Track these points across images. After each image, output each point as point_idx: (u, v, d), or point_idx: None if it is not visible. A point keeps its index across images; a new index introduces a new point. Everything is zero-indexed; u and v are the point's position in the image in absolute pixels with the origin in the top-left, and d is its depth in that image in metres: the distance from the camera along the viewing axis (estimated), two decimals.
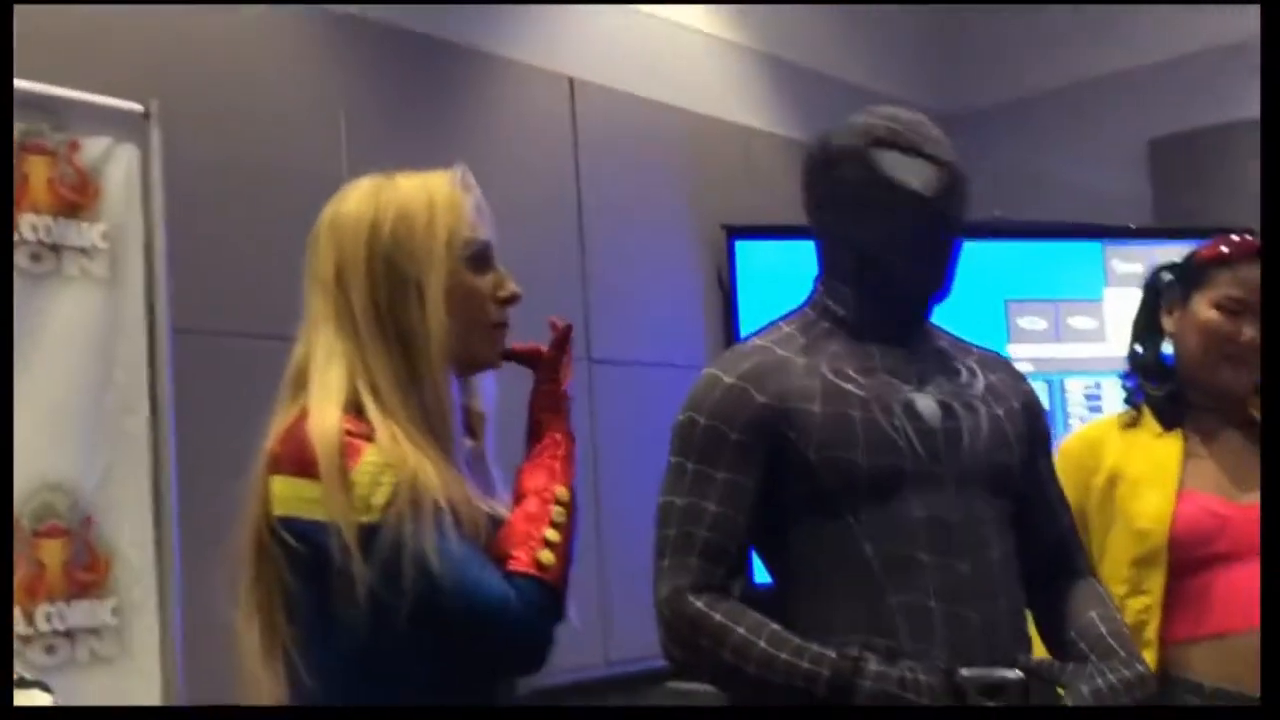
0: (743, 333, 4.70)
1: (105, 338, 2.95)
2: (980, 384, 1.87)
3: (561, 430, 1.68)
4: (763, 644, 1.71)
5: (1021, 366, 5.31)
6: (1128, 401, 2.34)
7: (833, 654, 1.70)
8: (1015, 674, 1.71)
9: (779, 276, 4.81)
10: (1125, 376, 2.38)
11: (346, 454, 1.48)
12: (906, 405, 1.80)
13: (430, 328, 1.56)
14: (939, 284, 1.83)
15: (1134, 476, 2.22)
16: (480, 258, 1.64)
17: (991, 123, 5.67)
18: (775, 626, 1.74)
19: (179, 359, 3.08)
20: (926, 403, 1.81)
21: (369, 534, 1.46)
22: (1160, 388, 2.29)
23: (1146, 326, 2.35)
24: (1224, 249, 2.27)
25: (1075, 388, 4.96)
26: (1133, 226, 5.21)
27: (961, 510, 1.78)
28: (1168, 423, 2.26)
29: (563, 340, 1.74)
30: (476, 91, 4.12)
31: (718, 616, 1.74)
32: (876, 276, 1.84)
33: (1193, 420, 2.27)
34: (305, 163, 3.64)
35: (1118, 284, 5.04)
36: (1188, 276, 2.31)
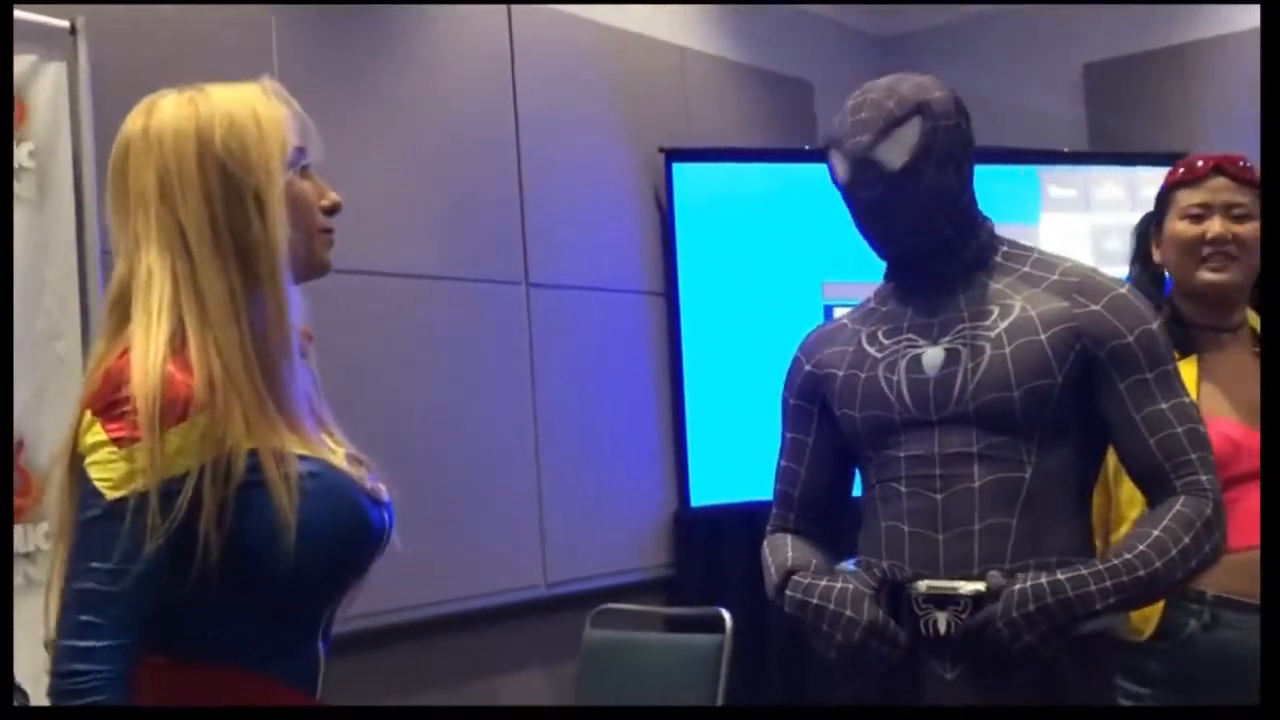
0: (680, 256, 4.73)
1: (33, 260, 2.90)
2: (1005, 322, 1.96)
3: None
4: (773, 569, 2.08)
5: None
6: None
7: (778, 574, 2.05)
8: (973, 586, 1.87)
9: (717, 200, 4.81)
10: None
11: (165, 414, 1.44)
12: (913, 360, 1.99)
13: (273, 238, 1.52)
14: (894, 243, 2.01)
15: None
16: (305, 165, 1.61)
17: (928, 46, 5.67)
18: (795, 554, 2.07)
19: (109, 282, 3.03)
20: (934, 354, 1.98)
21: (163, 497, 1.43)
22: (1163, 314, 2.39)
23: (1143, 264, 2.49)
24: (1181, 170, 2.43)
25: None
26: (1067, 150, 5.25)
27: (946, 447, 1.95)
28: (1182, 349, 2.34)
29: None
30: (412, 9, 4.06)
31: (766, 550, 2.13)
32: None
33: (1203, 346, 2.38)
34: (235, 79, 3.57)
35: (1053, 209, 5.08)
36: (1160, 205, 2.46)
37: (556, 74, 4.48)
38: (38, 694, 2.61)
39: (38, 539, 2.86)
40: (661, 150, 4.69)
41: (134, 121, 1.57)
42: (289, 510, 1.46)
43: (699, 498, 4.66)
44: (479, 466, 4.07)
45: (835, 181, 2.01)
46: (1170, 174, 2.44)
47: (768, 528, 2.17)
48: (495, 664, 4.13)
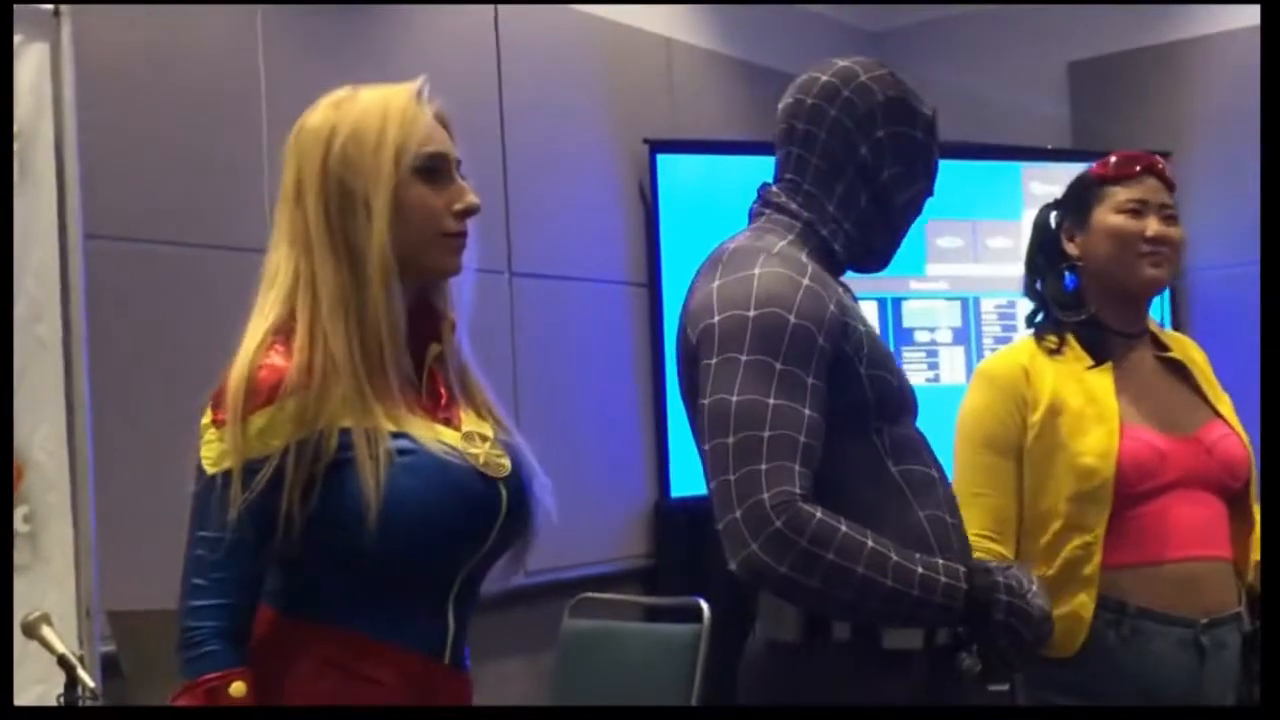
0: (663, 248, 4.74)
1: (15, 243, 2.89)
2: None
3: None
4: (895, 557, 1.66)
5: (938, 285, 5.35)
6: (1041, 332, 2.34)
7: (964, 568, 1.71)
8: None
9: (701, 192, 4.81)
10: (1035, 313, 2.39)
11: (250, 398, 1.57)
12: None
13: (374, 243, 1.62)
14: (895, 252, 1.96)
15: (1075, 409, 2.23)
16: (433, 170, 1.69)
17: (914, 41, 5.68)
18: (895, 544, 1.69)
19: (91, 265, 3.03)
20: None
21: (246, 474, 1.57)
22: (1077, 314, 2.31)
23: (1049, 259, 2.38)
24: (1115, 162, 2.35)
25: (990, 306, 5.03)
26: (1050, 148, 5.26)
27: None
28: (1097, 356, 2.28)
29: None
30: None
31: (844, 527, 1.64)
32: (885, 231, 1.91)
33: (1116, 353, 2.29)
34: (221, 64, 3.57)
35: (1035, 205, 5.07)
36: (1084, 198, 2.36)
37: (542, 64, 4.47)
38: (20, 685, 2.61)
39: (17, 522, 2.85)
40: (646, 141, 4.70)
41: (297, 123, 1.69)
42: (372, 488, 1.56)
43: (679, 488, 4.67)
44: None
45: (929, 174, 1.94)
46: (1099, 167, 2.36)
47: (791, 489, 1.64)
48: (473, 652, 4.12)
